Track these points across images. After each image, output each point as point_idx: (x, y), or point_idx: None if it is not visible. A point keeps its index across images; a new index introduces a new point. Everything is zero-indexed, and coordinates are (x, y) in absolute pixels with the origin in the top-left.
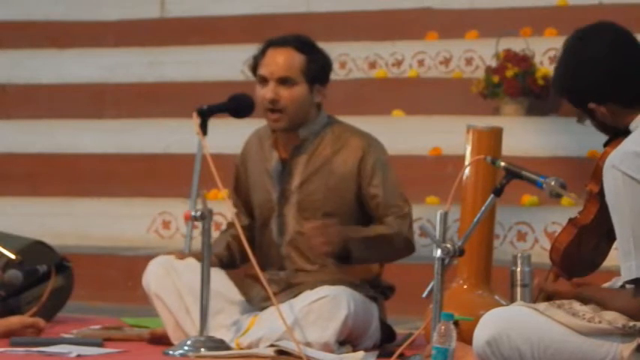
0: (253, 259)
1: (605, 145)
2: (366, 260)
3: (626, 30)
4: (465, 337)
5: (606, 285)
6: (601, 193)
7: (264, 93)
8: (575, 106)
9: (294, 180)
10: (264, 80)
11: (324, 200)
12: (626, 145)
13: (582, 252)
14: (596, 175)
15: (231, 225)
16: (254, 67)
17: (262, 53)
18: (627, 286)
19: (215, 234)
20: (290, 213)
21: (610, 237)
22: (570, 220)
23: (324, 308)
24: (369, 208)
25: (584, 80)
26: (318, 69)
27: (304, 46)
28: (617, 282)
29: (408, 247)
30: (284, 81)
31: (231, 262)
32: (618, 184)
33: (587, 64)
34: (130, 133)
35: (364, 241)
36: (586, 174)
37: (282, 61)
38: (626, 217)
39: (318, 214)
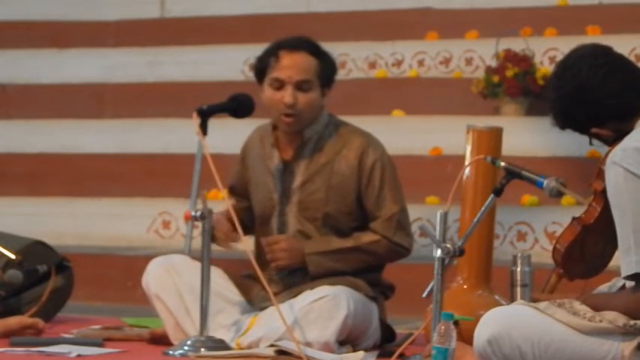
0: (252, 258)
1: (610, 144)
2: (334, 271)
3: (602, 48)
4: (465, 337)
5: (606, 285)
6: (605, 192)
7: (281, 97)
8: (581, 134)
9: (296, 179)
10: (279, 84)
11: (325, 200)
12: (627, 141)
13: (585, 253)
14: (601, 174)
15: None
16: (262, 69)
17: (275, 56)
18: (627, 283)
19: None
20: (291, 212)
21: (615, 242)
22: (574, 219)
23: (323, 308)
24: (363, 209)
25: (575, 111)
26: (329, 72)
27: (315, 49)
28: (617, 282)
29: (396, 250)
30: (301, 86)
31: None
32: (619, 181)
33: (573, 95)
34: (130, 133)
35: (326, 255)
36: (586, 174)
37: (300, 65)
38: (627, 213)
39: (319, 214)
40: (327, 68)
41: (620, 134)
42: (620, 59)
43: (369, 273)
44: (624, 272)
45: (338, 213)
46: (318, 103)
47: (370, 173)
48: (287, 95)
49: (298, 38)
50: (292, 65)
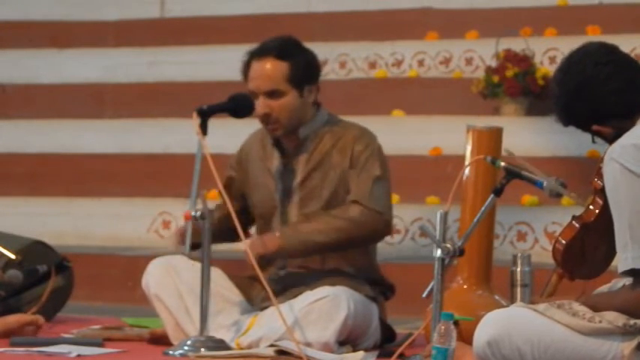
0: (253, 258)
1: (610, 141)
2: (311, 244)
3: (608, 46)
4: (465, 337)
5: (606, 286)
6: (605, 190)
7: (256, 106)
8: (583, 131)
9: (296, 178)
10: (253, 94)
11: (324, 195)
12: (626, 138)
13: (585, 252)
14: (600, 172)
15: (216, 207)
16: (244, 78)
17: (247, 65)
18: (626, 281)
19: None
20: (293, 211)
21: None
22: (574, 218)
23: (324, 308)
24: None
25: (577, 107)
26: (303, 72)
27: (285, 51)
28: (617, 284)
29: (371, 216)
30: (271, 94)
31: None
32: (616, 177)
33: (576, 91)
34: (130, 133)
35: (297, 226)
36: (586, 174)
37: (266, 74)
38: (624, 210)
39: (319, 207)
40: (299, 69)
41: (621, 132)
42: (625, 58)
43: (368, 273)
44: (621, 268)
45: (337, 203)
46: (297, 105)
47: (358, 157)
48: (259, 106)
49: (269, 42)
50: (259, 75)
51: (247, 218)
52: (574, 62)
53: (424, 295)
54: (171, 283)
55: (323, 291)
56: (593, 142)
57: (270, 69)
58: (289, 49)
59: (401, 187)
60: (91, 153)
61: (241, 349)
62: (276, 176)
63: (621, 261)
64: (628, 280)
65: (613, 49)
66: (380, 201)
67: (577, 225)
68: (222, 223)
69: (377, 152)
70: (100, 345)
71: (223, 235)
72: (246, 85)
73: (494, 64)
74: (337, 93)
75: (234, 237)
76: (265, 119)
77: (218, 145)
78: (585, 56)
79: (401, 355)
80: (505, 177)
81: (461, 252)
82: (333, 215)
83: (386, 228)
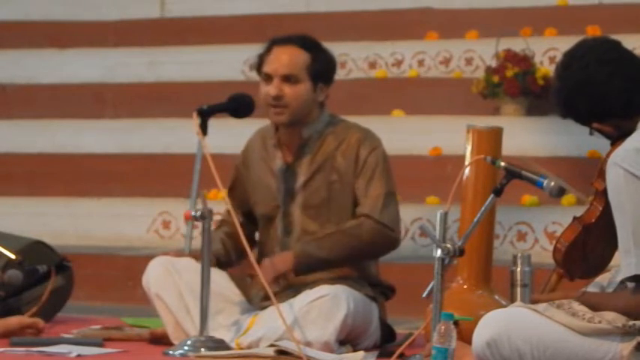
0: (252, 257)
1: (612, 143)
2: (321, 261)
3: (611, 42)
4: (465, 337)
5: (606, 275)
6: (606, 192)
7: (267, 90)
8: (582, 125)
9: (299, 179)
10: (268, 78)
11: (327, 197)
12: (629, 142)
13: (586, 253)
14: (602, 174)
15: (222, 222)
16: (259, 66)
17: (267, 51)
18: (628, 284)
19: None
20: (296, 212)
21: (616, 243)
22: (575, 219)
23: (323, 307)
24: (355, 198)
25: (577, 104)
26: (322, 67)
27: (309, 44)
28: (617, 274)
29: (382, 232)
30: (288, 78)
31: (228, 260)
32: (620, 181)
33: (577, 88)
34: (130, 133)
35: (309, 244)
36: (586, 174)
37: (287, 58)
38: (627, 214)
39: (323, 211)
40: (319, 63)
41: (622, 132)
42: (627, 54)
43: (365, 271)
44: (624, 274)
45: (341, 209)
46: (308, 96)
47: (364, 163)
48: (272, 87)
49: (295, 34)
50: (279, 59)
51: (254, 226)
52: (577, 57)
53: (424, 295)
54: (172, 283)
55: (322, 290)
56: (591, 134)
57: (292, 55)
58: (313, 43)
59: (401, 187)
60: (91, 153)
61: (241, 349)
62: (279, 177)
63: (624, 266)
64: (629, 282)
65: (616, 46)
66: (393, 218)
67: (579, 226)
68: (228, 246)
69: (383, 160)
70: (100, 345)
71: (233, 260)
72: (246, 87)
73: (494, 64)
74: (337, 93)
75: (242, 256)
76: (275, 102)
77: (218, 145)
78: (588, 52)
79: (401, 355)
80: (505, 177)
81: (461, 252)
82: (346, 233)
83: (395, 245)
